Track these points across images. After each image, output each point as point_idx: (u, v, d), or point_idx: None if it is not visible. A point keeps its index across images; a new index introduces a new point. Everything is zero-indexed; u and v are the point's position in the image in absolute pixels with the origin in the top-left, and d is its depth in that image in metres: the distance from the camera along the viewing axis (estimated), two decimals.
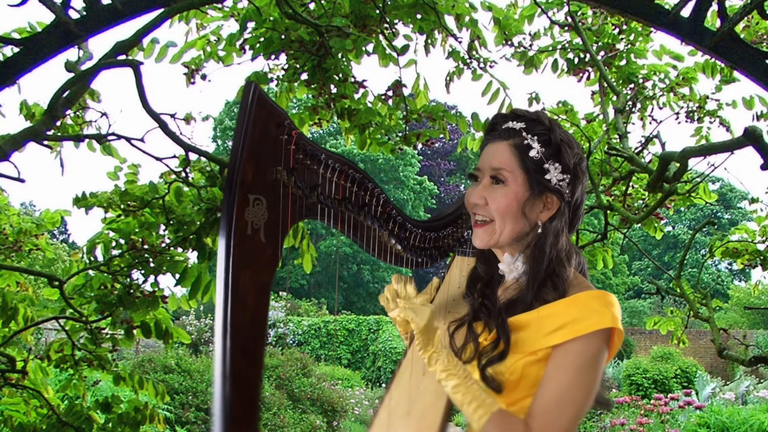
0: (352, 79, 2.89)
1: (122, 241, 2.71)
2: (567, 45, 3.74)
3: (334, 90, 2.89)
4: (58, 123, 2.86)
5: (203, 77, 3.21)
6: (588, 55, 3.65)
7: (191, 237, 2.65)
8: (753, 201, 4.01)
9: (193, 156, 2.67)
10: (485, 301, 1.38)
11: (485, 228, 1.34)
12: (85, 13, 2.14)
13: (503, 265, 1.38)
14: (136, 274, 2.75)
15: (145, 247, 2.66)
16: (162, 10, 2.28)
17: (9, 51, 2.47)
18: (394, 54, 2.99)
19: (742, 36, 2.50)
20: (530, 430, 1.22)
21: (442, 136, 2.99)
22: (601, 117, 3.83)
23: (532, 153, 1.31)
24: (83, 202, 2.69)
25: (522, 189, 1.31)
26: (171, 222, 2.68)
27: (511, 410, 1.28)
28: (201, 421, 8.83)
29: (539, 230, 1.32)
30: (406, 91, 3.04)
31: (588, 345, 1.22)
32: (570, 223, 1.36)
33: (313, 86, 2.89)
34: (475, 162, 1.41)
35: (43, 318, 2.97)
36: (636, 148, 3.61)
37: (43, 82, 2.88)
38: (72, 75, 2.36)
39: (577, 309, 1.23)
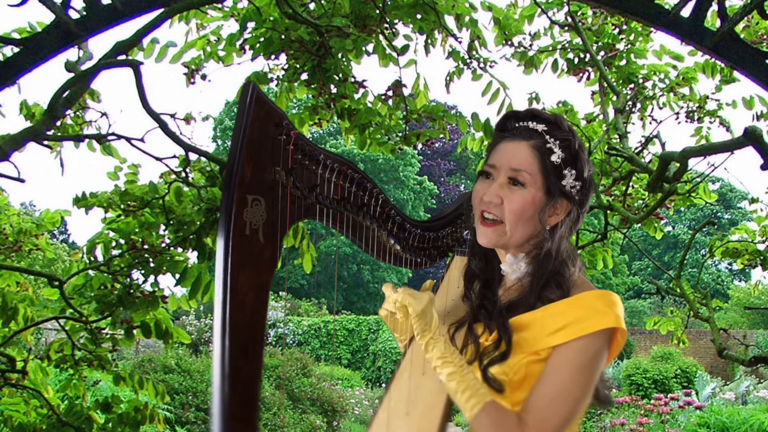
0: (352, 79, 2.89)
1: (122, 241, 2.71)
2: (567, 45, 3.74)
3: (334, 90, 2.89)
4: (58, 123, 2.86)
5: (203, 77, 3.21)
6: (588, 55, 3.65)
7: (191, 237, 2.65)
8: (753, 201, 4.01)
9: (193, 156, 2.67)
10: (485, 302, 1.37)
11: (495, 228, 1.32)
12: (85, 13, 2.13)
13: (505, 266, 1.37)
14: (136, 274, 2.75)
15: (145, 247, 2.66)
16: (162, 10, 2.28)
17: (9, 51, 2.47)
18: (394, 54, 2.99)
19: (742, 36, 2.49)
20: (524, 424, 1.21)
21: (442, 136, 2.99)
22: (601, 117, 3.83)
23: (554, 157, 1.30)
24: (83, 202, 2.69)
25: (540, 193, 1.30)
26: (171, 222, 2.68)
27: (515, 410, 1.28)
28: (201, 421, 8.83)
29: (547, 234, 1.32)
30: (406, 91, 3.04)
31: (589, 344, 1.22)
32: (572, 228, 1.37)
33: (313, 86, 2.89)
34: (476, 162, 1.41)
35: (43, 318, 2.97)
36: (636, 148, 3.61)
37: (43, 82, 2.89)
38: (72, 75, 2.36)
39: (581, 309, 1.23)
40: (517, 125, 1.33)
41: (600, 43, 3.74)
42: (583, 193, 1.34)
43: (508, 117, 1.36)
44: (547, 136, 1.30)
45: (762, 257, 3.85)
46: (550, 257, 1.30)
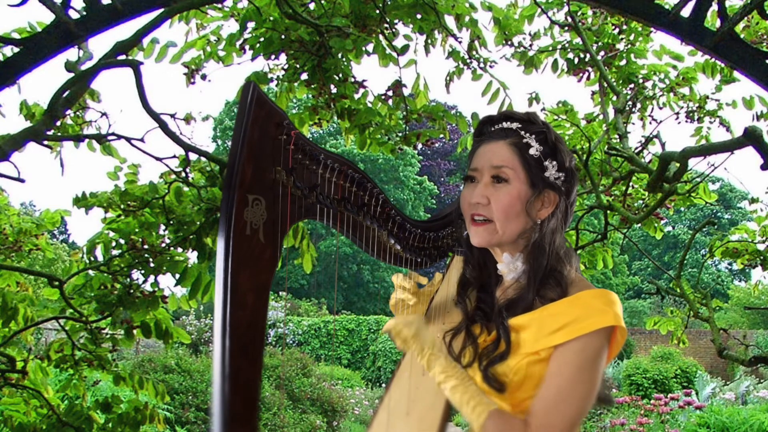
0: (352, 79, 2.89)
1: (122, 241, 2.71)
2: (567, 45, 3.74)
3: (334, 90, 2.89)
4: (58, 123, 2.86)
5: (203, 77, 3.21)
6: (588, 55, 3.65)
7: (191, 237, 2.65)
8: (753, 201, 4.01)
9: (193, 156, 2.67)
10: (481, 305, 1.37)
11: (486, 227, 1.33)
12: (85, 13, 2.14)
13: (502, 266, 1.37)
14: (136, 274, 2.75)
15: (145, 247, 2.66)
16: (162, 10, 2.28)
17: (9, 51, 2.47)
18: (394, 54, 2.99)
19: (742, 36, 2.49)
20: (530, 428, 1.21)
21: (442, 136, 2.99)
22: (601, 117, 3.83)
23: (532, 151, 1.32)
24: (83, 202, 2.69)
25: (524, 186, 1.32)
26: (171, 222, 2.68)
27: (516, 411, 1.28)
28: (201, 421, 8.83)
29: (538, 228, 1.33)
30: (406, 91, 3.04)
31: (589, 344, 1.21)
32: (563, 222, 1.37)
33: (313, 86, 2.89)
34: None
35: (43, 318, 2.97)
36: (636, 148, 3.61)
37: (43, 82, 2.89)
38: (72, 75, 2.36)
39: (579, 308, 1.23)
40: (492, 128, 1.37)
41: (600, 43, 3.75)
42: (568, 183, 1.36)
43: (483, 122, 1.39)
44: (523, 132, 1.33)
45: (762, 257, 3.85)
46: (543, 252, 1.31)
